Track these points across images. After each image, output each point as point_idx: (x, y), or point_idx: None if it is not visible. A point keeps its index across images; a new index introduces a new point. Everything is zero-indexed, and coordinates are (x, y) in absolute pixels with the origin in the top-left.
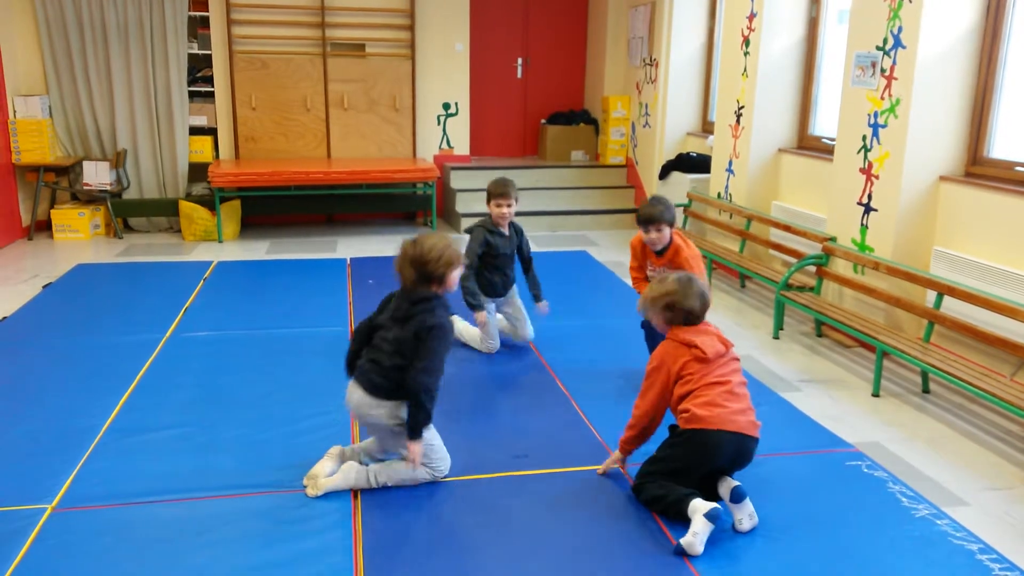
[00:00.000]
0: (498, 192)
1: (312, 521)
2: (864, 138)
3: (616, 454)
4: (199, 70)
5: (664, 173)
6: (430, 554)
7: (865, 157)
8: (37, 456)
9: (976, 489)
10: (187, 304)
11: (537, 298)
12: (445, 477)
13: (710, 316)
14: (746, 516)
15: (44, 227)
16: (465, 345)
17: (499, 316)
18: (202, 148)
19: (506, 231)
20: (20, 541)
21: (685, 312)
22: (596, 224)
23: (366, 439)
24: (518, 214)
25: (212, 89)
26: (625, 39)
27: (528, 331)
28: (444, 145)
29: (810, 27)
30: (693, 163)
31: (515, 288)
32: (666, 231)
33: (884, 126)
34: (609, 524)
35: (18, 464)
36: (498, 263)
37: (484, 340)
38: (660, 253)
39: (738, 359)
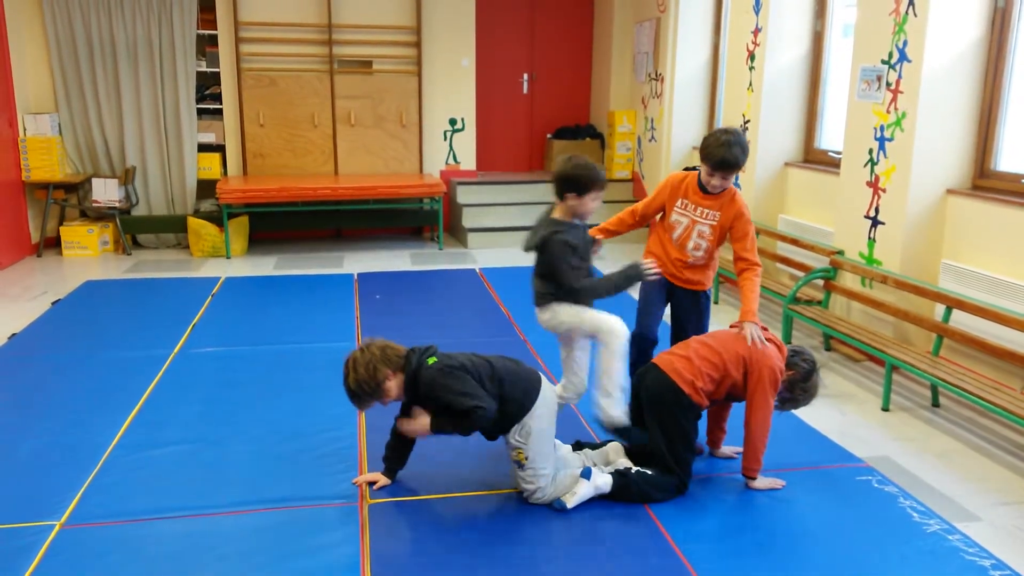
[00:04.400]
0: (601, 182)
1: (320, 537)
2: (871, 151)
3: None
4: (207, 87)
5: None
6: (438, 570)
7: (872, 170)
8: (46, 472)
9: (988, 504)
10: (195, 320)
11: None
12: (455, 493)
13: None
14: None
15: (53, 244)
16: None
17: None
18: (210, 165)
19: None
20: (29, 558)
21: None
22: None
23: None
24: (523, 226)
25: (220, 106)
26: (631, 54)
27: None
28: (451, 160)
29: (815, 41)
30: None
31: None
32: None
33: (890, 139)
34: (615, 534)
35: (27, 480)
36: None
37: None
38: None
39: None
